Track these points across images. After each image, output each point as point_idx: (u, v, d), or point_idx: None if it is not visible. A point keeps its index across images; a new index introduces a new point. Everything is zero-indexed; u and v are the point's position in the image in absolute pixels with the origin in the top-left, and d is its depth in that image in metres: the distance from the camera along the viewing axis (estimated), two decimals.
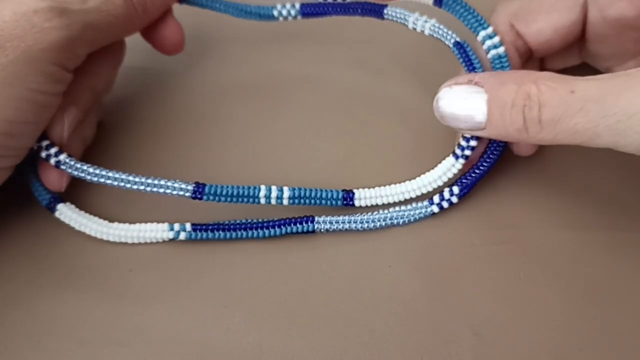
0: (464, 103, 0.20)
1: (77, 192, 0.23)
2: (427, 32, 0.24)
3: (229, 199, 0.21)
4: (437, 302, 0.20)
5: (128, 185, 0.21)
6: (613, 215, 0.22)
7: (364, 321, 0.19)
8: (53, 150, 0.22)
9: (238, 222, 0.21)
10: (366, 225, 0.21)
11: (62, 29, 0.21)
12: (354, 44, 0.29)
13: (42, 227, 0.22)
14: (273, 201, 0.21)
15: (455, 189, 0.22)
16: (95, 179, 0.21)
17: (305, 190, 0.21)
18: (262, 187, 0.21)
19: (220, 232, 0.21)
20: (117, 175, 0.21)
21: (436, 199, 0.22)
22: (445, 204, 0.22)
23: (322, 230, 0.21)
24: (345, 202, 0.22)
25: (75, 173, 0.22)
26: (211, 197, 0.21)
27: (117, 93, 0.27)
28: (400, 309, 0.20)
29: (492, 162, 0.22)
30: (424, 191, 0.22)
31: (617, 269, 0.21)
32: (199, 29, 0.30)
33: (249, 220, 0.21)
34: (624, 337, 0.19)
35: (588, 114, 0.17)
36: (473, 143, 0.22)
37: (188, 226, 0.21)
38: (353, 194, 0.22)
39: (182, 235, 0.21)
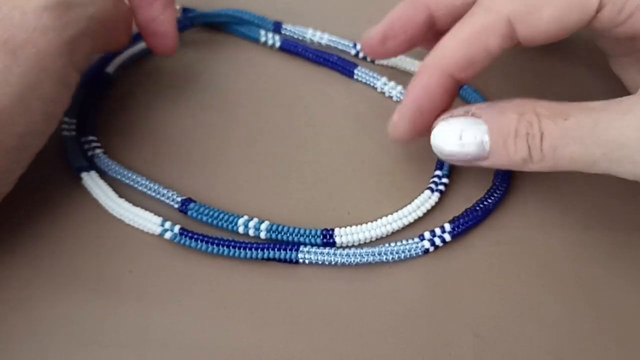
0: (464, 135, 0.19)
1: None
2: (395, 96, 0.27)
3: (210, 219, 0.22)
4: (437, 303, 0.20)
5: (131, 183, 0.23)
6: (613, 216, 0.22)
7: (364, 321, 0.20)
8: (93, 145, 0.24)
9: (223, 239, 0.21)
10: (352, 259, 0.21)
11: (71, 24, 0.19)
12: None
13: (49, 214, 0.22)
14: (251, 232, 0.22)
15: (448, 226, 0.21)
16: (118, 176, 0.23)
17: (284, 226, 0.21)
18: (245, 216, 0.22)
19: (204, 243, 0.21)
20: (129, 174, 0.23)
21: (427, 235, 0.21)
22: (437, 241, 0.21)
23: (306, 261, 0.21)
24: (324, 240, 0.21)
25: (102, 167, 0.24)
26: (195, 214, 0.22)
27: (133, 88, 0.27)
28: (401, 309, 0.20)
29: (495, 202, 0.22)
30: (401, 225, 0.22)
31: (617, 269, 0.21)
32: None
33: (233, 240, 0.21)
34: (624, 338, 0.19)
35: (583, 142, 0.18)
36: (445, 180, 0.23)
37: (176, 228, 0.21)
38: (332, 231, 0.21)
39: (168, 235, 0.21)
